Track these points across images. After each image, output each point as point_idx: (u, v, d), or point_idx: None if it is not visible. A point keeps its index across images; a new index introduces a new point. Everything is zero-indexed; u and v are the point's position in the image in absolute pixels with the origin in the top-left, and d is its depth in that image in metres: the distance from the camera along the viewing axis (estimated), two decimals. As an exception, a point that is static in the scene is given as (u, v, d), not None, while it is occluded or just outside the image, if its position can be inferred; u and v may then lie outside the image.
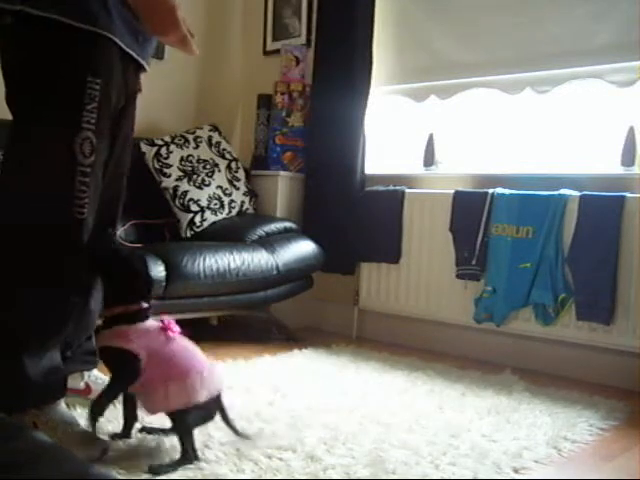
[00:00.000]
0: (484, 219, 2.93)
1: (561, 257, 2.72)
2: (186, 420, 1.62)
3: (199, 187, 3.34)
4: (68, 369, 1.82)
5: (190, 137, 3.47)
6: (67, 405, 1.79)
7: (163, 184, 3.33)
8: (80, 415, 1.84)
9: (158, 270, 2.73)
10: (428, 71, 3.29)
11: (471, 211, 2.97)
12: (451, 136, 3.32)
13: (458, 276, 3.01)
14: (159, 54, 3.76)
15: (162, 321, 1.69)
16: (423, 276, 3.16)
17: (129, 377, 1.63)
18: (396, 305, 3.25)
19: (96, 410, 1.66)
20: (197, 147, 3.45)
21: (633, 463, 1.86)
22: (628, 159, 2.75)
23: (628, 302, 2.59)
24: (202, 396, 1.62)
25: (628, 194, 2.61)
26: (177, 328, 1.70)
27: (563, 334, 2.75)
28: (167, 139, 3.43)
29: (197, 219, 3.29)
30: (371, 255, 3.35)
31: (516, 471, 1.71)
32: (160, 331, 1.67)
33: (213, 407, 1.68)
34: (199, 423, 1.66)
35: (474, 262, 2.95)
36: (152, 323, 1.69)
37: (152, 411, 1.67)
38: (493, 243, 2.91)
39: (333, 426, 1.93)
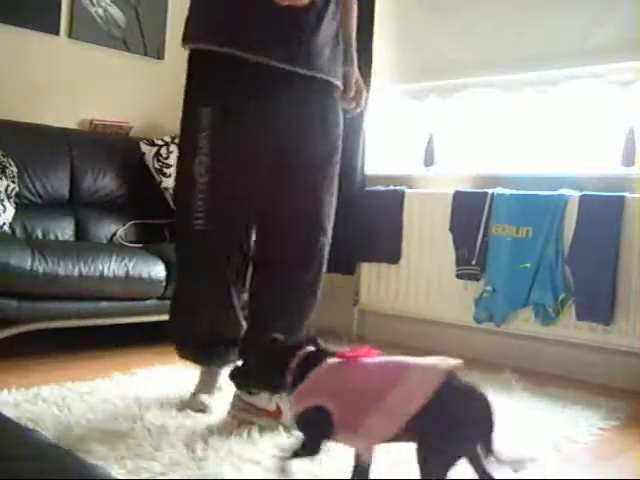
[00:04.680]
0: (484, 219, 2.93)
1: (561, 257, 2.72)
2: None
3: (199, 187, 3.34)
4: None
5: (190, 137, 3.46)
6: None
7: (163, 184, 3.33)
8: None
9: (158, 270, 2.73)
10: (428, 71, 3.29)
11: (471, 211, 2.97)
12: (451, 136, 3.32)
13: (458, 276, 3.01)
14: (159, 54, 3.77)
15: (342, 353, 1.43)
16: (423, 276, 3.16)
17: (322, 435, 1.37)
18: (396, 305, 3.25)
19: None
20: (197, 147, 3.45)
21: (633, 463, 1.86)
22: (628, 159, 2.75)
23: (628, 302, 2.59)
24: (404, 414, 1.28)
25: (628, 194, 2.61)
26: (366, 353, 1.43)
27: (563, 334, 2.75)
28: (167, 139, 3.43)
29: (197, 219, 3.29)
30: (371, 255, 3.35)
31: (516, 471, 1.71)
32: (341, 364, 1.41)
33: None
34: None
35: (474, 262, 2.95)
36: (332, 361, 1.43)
37: (367, 451, 1.41)
38: (493, 243, 2.91)
39: (333, 426, 1.93)
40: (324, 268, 2.08)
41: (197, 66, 1.91)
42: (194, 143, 1.88)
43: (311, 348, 1.48)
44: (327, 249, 2.06)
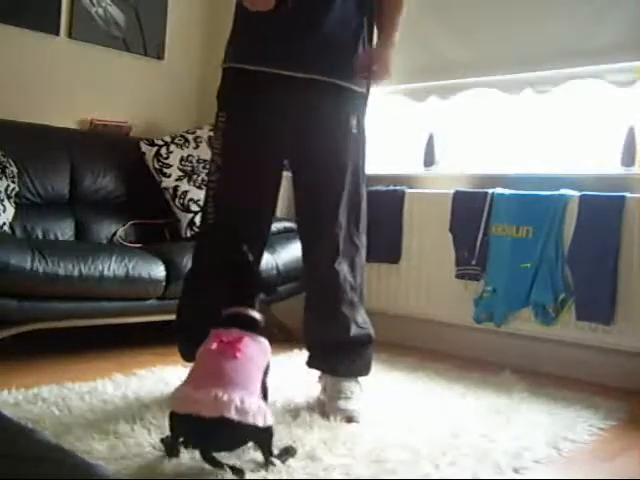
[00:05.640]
0: (484, 219, 2.93)
1: (561, 257, 2.72)
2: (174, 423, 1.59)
3: (199, 187, 3.34)
4: None
5: (190, 137, 3.47)
6: None
7: (163, 184, 3.33)
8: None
9: (158, 270, 2.73)
10: (428, 71, 3.29)
11: (471, 211, 2.97)
12: (451, 136, 3.32)
13: (458, 276, 3.01)
14: (159, 54, 3.77)
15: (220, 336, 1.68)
16: (423, 276, 3.16)
17: None
18: (396, 305, 3.25)
19: None
20: (197, 147, 3.45)
21: (633, 463, 1.86)
22: (628, 159, 2.75)
23: (628, 302, 2.59)
24: (206, 411, 1.50)
25: (628, 194, 2.61)
26: (241, 347, 1.64)
27: (563, 334, 2.75)
28: (167, 139, 3.43)
29: (197, 219, 3.29)
30: (371, 255, 3.33)
31: (516, 471, 1.71)
32: (216, 341, 1.66)
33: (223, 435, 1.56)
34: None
35: (474, 262, 2.95)
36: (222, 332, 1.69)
37: None
38: (493, 243, 2.91)
39: (333, 426, 1.93)
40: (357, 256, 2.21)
41: (221, 79, 2.13)
42: (213, 144, 2.10)
43: (240, 309, 1.74)
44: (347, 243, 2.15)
